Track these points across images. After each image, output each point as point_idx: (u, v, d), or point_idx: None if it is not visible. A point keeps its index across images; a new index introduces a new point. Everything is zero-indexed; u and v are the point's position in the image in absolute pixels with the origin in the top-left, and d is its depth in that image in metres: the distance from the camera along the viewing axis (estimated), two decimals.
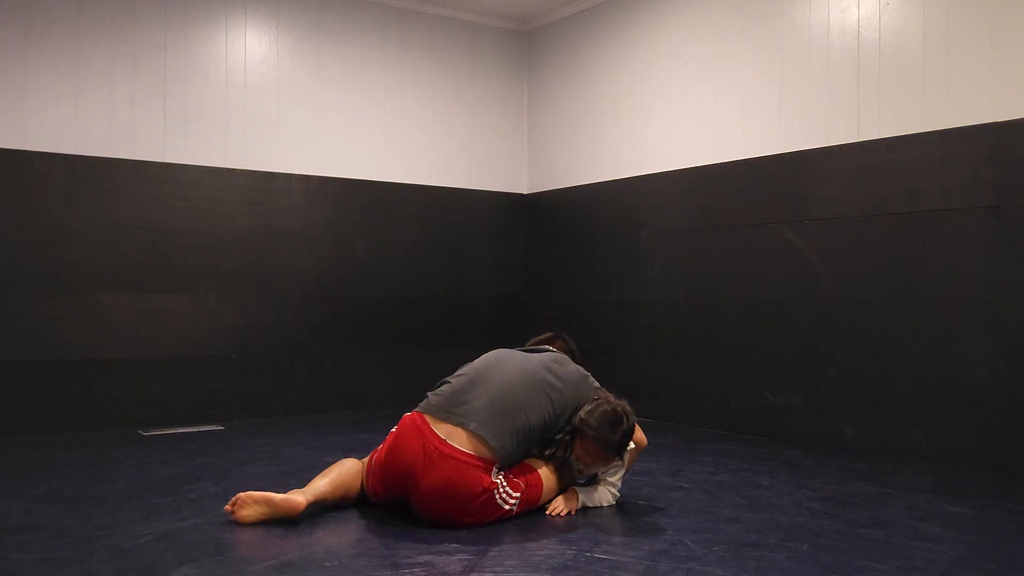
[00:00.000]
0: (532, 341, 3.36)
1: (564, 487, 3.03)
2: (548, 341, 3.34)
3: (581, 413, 2.91)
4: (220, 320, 5.11)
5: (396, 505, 2.91)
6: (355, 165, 5.63)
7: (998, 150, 3.71)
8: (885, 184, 4.11)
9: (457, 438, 2.74)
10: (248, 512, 2.73)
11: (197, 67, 5.06)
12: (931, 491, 3.32)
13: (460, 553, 2.47)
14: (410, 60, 5.86)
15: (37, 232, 4.59)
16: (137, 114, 4.88)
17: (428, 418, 2.81)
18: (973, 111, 3.80)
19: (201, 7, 5.07)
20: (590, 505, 3.02)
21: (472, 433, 2.75)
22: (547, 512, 2.93)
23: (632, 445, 3.03)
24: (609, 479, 3.08)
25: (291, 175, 5.38)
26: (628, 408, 2.94)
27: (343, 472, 2.96)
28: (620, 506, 3.06)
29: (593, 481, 3.09)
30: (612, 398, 2.98)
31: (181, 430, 4.71)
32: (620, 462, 3.05)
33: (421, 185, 5.89)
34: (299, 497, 2.75)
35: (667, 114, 5.26)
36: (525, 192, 6.39)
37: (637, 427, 3.07)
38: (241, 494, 2.76)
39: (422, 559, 2.41)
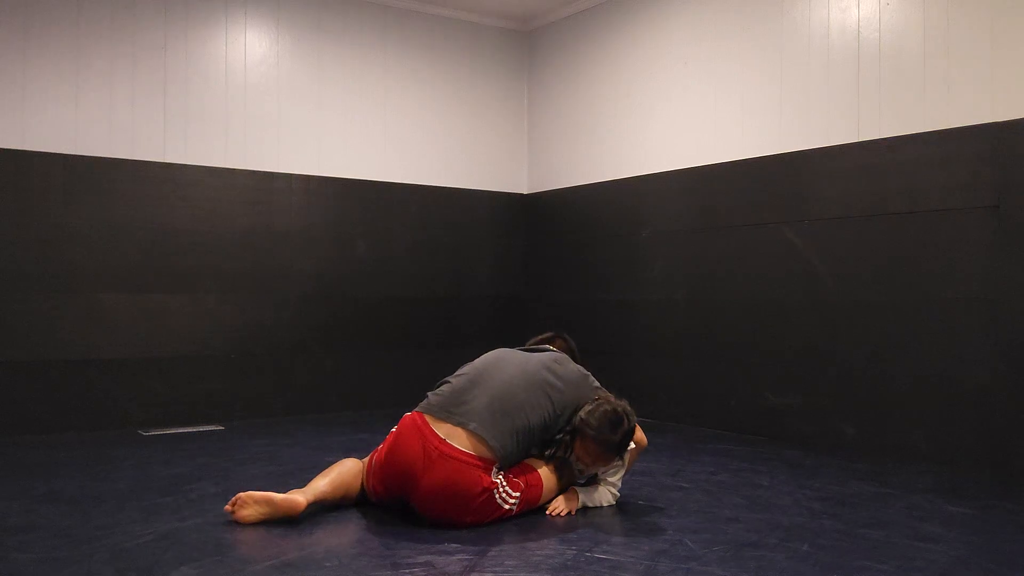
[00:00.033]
0: (532, 341, 3.37)
1: (564, 487, 3.03)
2: (548, 341, 3.34)
3: (582, 413, 2.91)
4: (220, 320, 5.11)
5: (396, 505, 2.91)
6: (355, 165, 5.63)
7: (998, 150, 3.71)
8: (885, 184, 4.11)
9: (457, 438, 2.74)
10: (248, 512, 2.73)
11: (197, 67, 5.06)
12: (931, 491, 3.32)
13: (460, 553, 2.47)
14: (410, 60, 5.86)
15: (37, 232, 4.59)
16: (137, 114, 4.88)
17: (428, 418, 2.81)
18: (973, 111, 3.80)
19: (201, 7, 5.07)
20: (590, 505, 3.02)
21: (472, 433, 2.75)
22: (547, 512, 2.93)
23: (632, 445, 3.03)
24: (609, 479, 3.08)
25: (291, 175, 5.38)
26: (629, 408, 2.94)
27: (343, 472, 2.96)
28: (620, 506, 3.06)
29: (593, 481, 3.09)
30: (613, 398, 2.98)
31: (181, 430, 4.71)
32: (620, 462, 3.05)
33: (421, 185, 5.89)
34: (299, 497, 2.75)
35: (667, 114, 5.26)
36: (525, 192, 6.39)
37: (637, 427, 3.07)
38: (241, 494, 2.76)
39: (422, 559, 2.41)
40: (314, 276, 5.45)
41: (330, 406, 5.46)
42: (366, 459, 3.03)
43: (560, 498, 2.99)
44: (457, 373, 3.00)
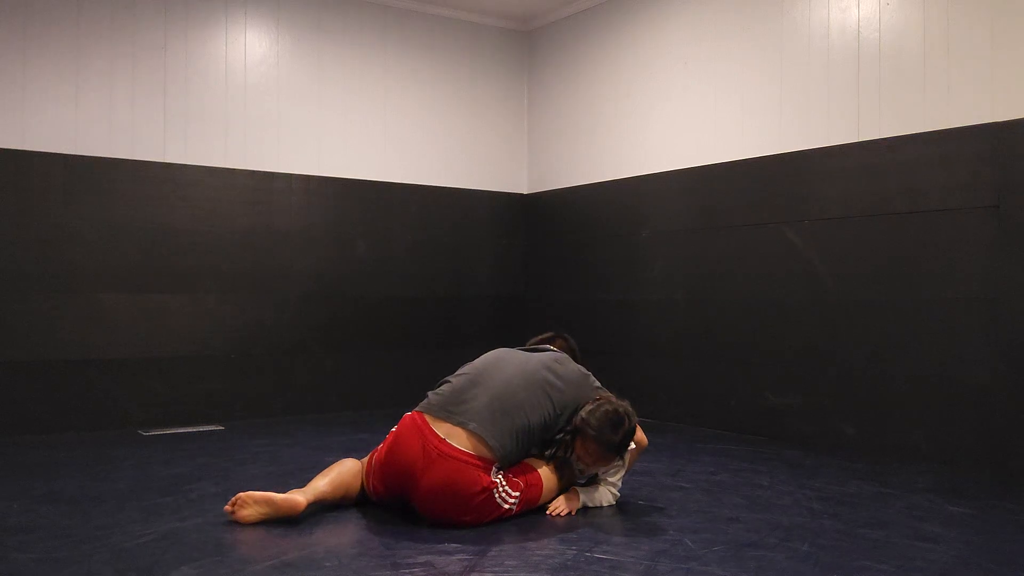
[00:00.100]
0: (533, 340, 3.37)
1: (564, 487, 3.03)
2: (549, 340, 3.34)
3: (582, 413, 2.91)
4: (220, 320, 5.11)
5: (396, 504, 2.91)
6: (355, 165, 5.63)
7: (998, 150, 3.71)
8: (885, 184, 4.11)
9: (456, 437, 2.74)
10: (248, 512, 2.73)
11: (197, 67, 5.07)
12: (931, 491, 3.32)
13: (460, 553, 2.47)
14: (410, 60, 5.86)
15: (37, 232, 4.59)
16: (137, 114, 4.88)
17: (428, 417, 2.81)
18: (973, 111, 3.80)
19: (201, 7, 5.07)
20: (591, 505, 3.02)
21: (472, 433, 2.75)
22: (548, 512, 2.93)
23: (633, 445, 3.03)
24: (609, 479, 3.07)
25: (291, 175, 5.38)
26: (630, 409, 2.94)
27: (343, 472, 2.96)
28: (620, 506, 3.06)
29: (593, 481, 3.09)
30: (614, 398, 2.98)
31: (181, 430, 4.71)
32: (620, 462, 3.05)
33: (421, 185, 5.89)
34: (299, 497, 2.75)
35: (667, 114, 5.26)
36: (525, 192, 6.39)
37: (638, 427, 3.07)
38: (241, 494, 2.76)
39: (422, 559, 2.41)
40: (314, 276, 5.45)
41: (330, 406, 5.46)
42: (365, 459, 3.03)
43: (560, 498, 2.99)
44: (457, 373, 3.00)
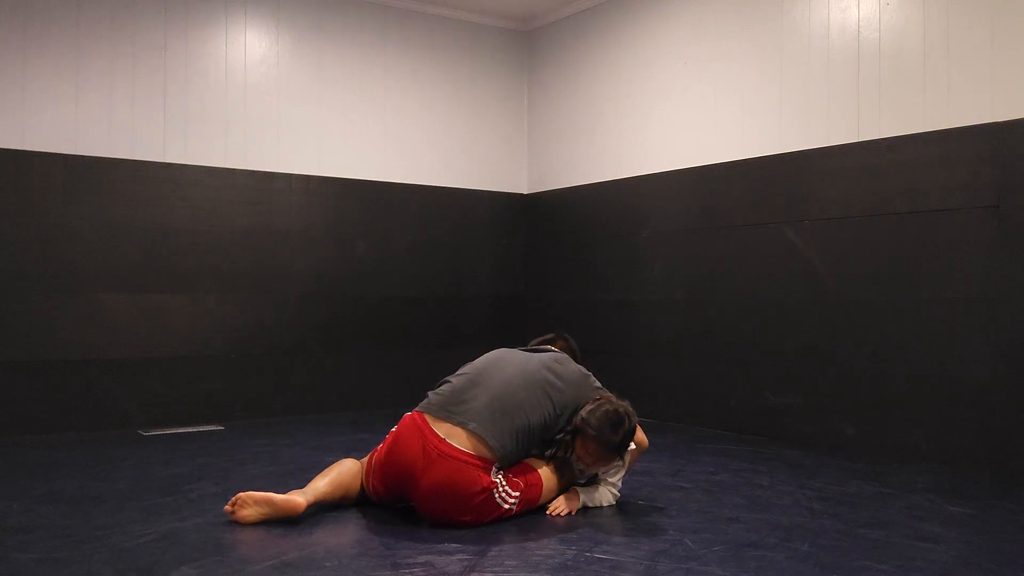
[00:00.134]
0: (534, 341, 3.37)
1: (564, 487, 3.03)
2: (550, 341, 3.34)
3: (583, 413, 2.91)
4: (220, 320, 5.11)
5: (396, 504, 2.91)
6: (355, 165, 5.63)
7: (998, 150, 3.71)
8: (885, 184, 4.11)
9: (456, 437, 2.74)
10: (248, 512, 2.73)
11: (197, 67, 5.07)
12: (931, 491, 3.32)
13: (460, 553, 2.47)
14: (410, 60, 5.86)
15: (37, 232, 4.59)
16: (137, 114, 4.88)
17: (428, 417, 2.81)
18: (973, 111, 3.80)
19: (201, 7, 5.07)
20: (591, 505, 3.02)
21: (471, 432, 2.75)
22: (548, 512, 2.93)
23: (633, 446, 3.03)
24: (609, 479, 3.07)
25: (291, 175, 5.38)
26: (630, 409, 2.94)
27: (343, 472, 2.96)
28: (620, 506, 3.07)
29: (593, 481, 3.09)
30: (614, 398, 2.98)
31: (181, 430, 4.71)
32: (620, 463, 3.05)
33: (421, 185, 5.89)
34: (299, 498, 2.75)
35: (667, 114, 5.26)
36: (525, 192, 6.39)
37: (638, 428, 3.07)
38: (241, 494, 2.76)
39: (422, 559, 2.41)
40: (314, 276, 5.45)
41: (330, 406, 5.46)
42: (365, 459, 3.03)
43: (560, 498, 2.99)
44: (458, 373, 3.01)
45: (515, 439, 2.82)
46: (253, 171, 5.24)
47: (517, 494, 2.82)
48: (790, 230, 4.53)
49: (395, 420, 2.98)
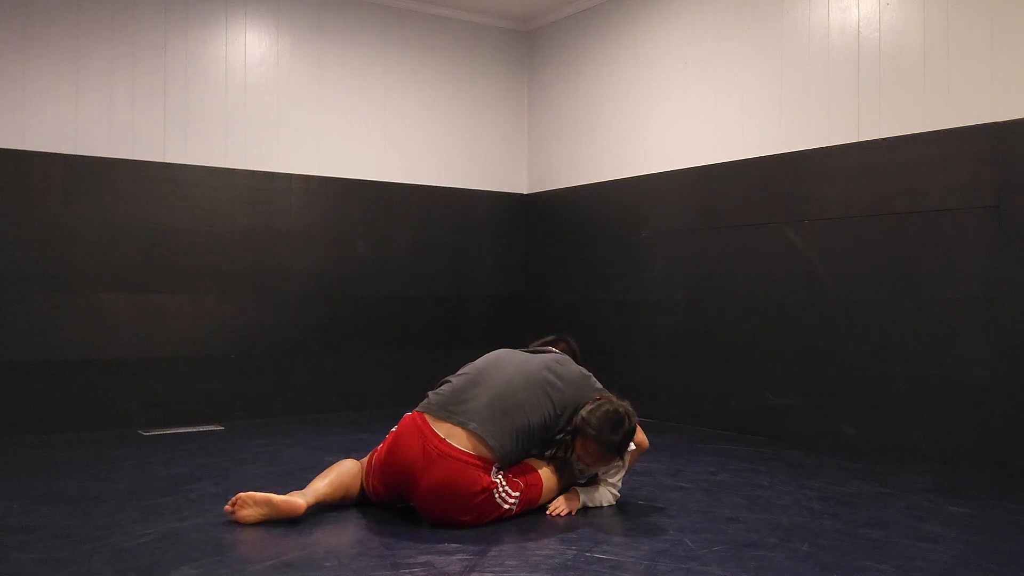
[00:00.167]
0: (535, 343, 3.36)
1: (564, 487, 3.03)
2: (551, 343, 3.33)
3: (583, 412, 2.90)
4: (220, 320, 5.11)
5: (396, 504, 2.91)
6: (355, 165, 5.63)
7: (998, 150, 3.71)
8: (885, 184, 4.11)
9: (456, 437, 2.74)
10: (248, 512, 2.73)
11: (197, 67, 5.07)
12: (931, 491, 3.32)
13: (460, 553, 2.47)
14: (410, 60, 5.86)
15: (37, 232, 4.59)
16: (137, 114, 4.88)
17: (428, 417, 2.81)
18: (973, 111, 3.80)
19: (201, 7, 5.07)
20: (591, 505, 3.02)
21: (471, 433, 2.75)
22: (547, 512, 2.93)
23: (633, 446, 3.03)
24: (609, 480, 3.07)
25: (291, 175, 5.38)
26: (630, 409, 2.94)
27: (342, 473, 2.96)
28: (620, 506, 3.06)
29: (593, 481, 3.09)
30: (614, 398, 2.98)
31: (181, 430, 4.71)
32: (620, 463, 3.05)
33: (421, 185, 5.89)
34: (299, 500, 2.75)
35: (667, 114, 5.26)
36: (525, 192, 6.39)
37: (639, 428, 3.07)
38: (241, 494, 2.76)
39: (422, 559, 2.41)
40: (314, 276, 5.45)
41: (330, 406, 5.46)
42: (365, 459, 3.03)
43: (560, 498, 2.99)
44: (458, 373, 3.01)
45: (515, 439, 2.82)
46: (253, 171, 5.24)
47: (517, 494, 2.82)
48: (790, 230, 4.53)
49: (395, 420, 2.98)
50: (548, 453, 3.00)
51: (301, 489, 2.86)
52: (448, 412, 2.81)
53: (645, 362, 5.34)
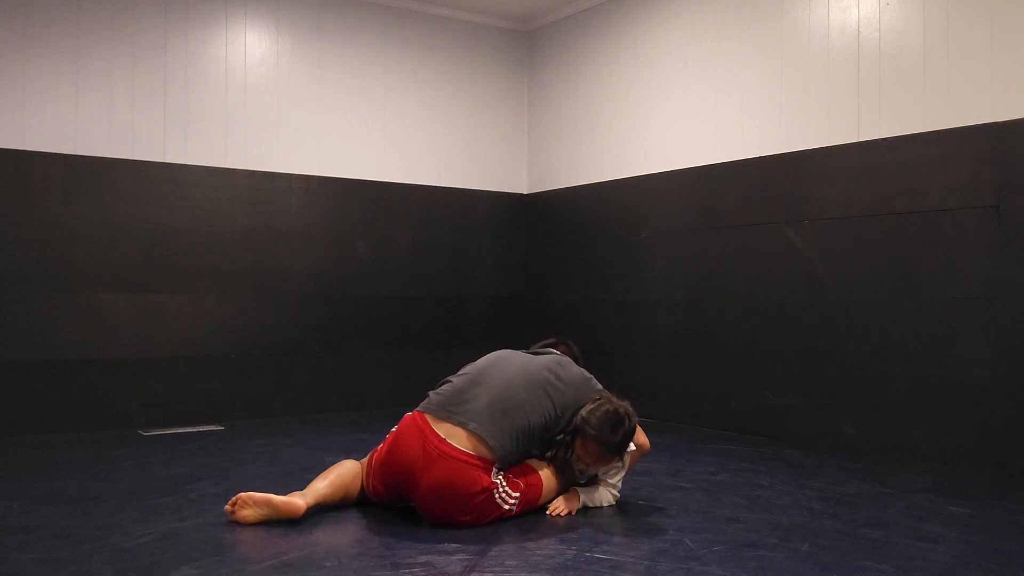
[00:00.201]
0: (536, 346, 3.35)
1: (564, 488, 3.03)
2: (552, 346, 3.33)
3: (582, 412, 2.90)
4: (220, 320, 5.11)
5: (397, 504, 2.91)
6: (355, 165, 5.63)
7: (998, 150, 3.71)
8: (885, 184, 4.11)
9: (457, 437, 2.74)
10: (248, 513, 2.73)
11: (197, 67, 5.07)
12: (931, 491, 3.32)
13: (460, 553, 2.47)
14: (410, 60, 5.86)
15: (37, 232, 4.59)
16: (137, 114, 4.88)
17: (429, 417, 2.81)
18: (973, 111, 3.80)
19: (201, 7, 5.07)
20: (591, 505, 3.02)
21: (472, 433, 2.75)
22: (547, 512, 2.93)
23: (633, 447, 3.03)
24: (609, 480, 3.07)
25: (291, 175, 5.38)
26: (630, 409, 2.94)
27: (342, 474, 2.96)
28: (620, 506, 3.06)
29: (593, 482, 3.09)
30: (615, 399, 2.97)
31: (181, 430, 4.71)
32: (620, 463, 3.05)
33: (421, 185, 5.89)
34: (299, 501, 2.75)
35: (667, 114, 5.26)
36: (525, 192, 6.39)
37: (640, 431, 3.07)
38: (241, 494, 2.76)
39: (422, 559, 2.41)
40: (314, 276, 5.45)
41: (330, 406, 5.46)
42: (365, 459, 3.03)
43: (560, 498, 2.98)
44: (459, 373, 3.01)
45: (515, 439, 2.82)
46: (253, 171, 5.24)
47: (517, 495, 2.82)
48: (790, 230, 4.53)
49: (395, 420, 2.98)
50: (549, 454, 3.00)
51: (301, 489, 2.87)
52: (449, 412, 2.81)
53: (645, 362, 5.34)
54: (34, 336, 4.57)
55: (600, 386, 3.08)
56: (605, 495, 3.06)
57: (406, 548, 2.52)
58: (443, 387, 2.95)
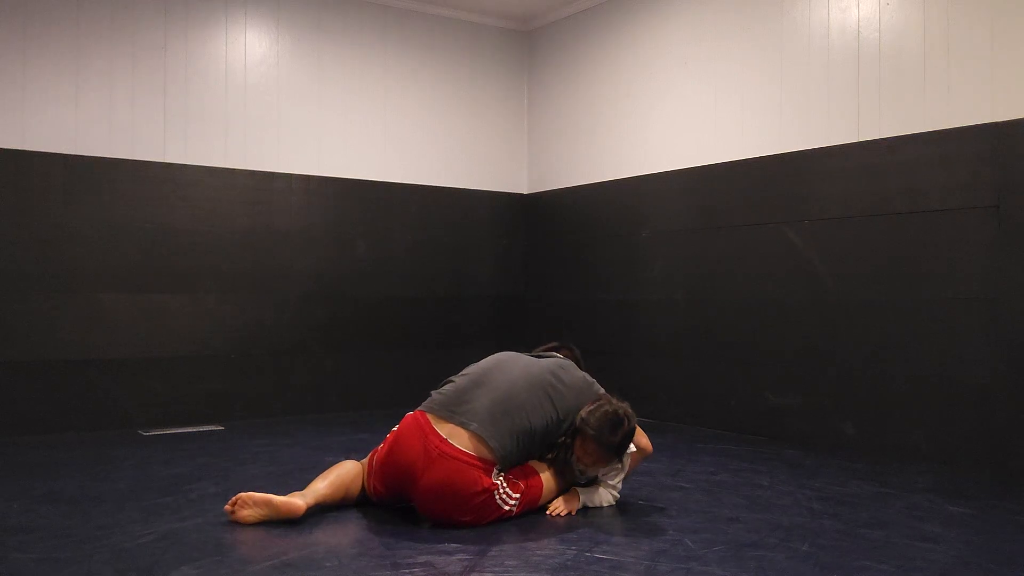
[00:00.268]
0: (538, 349, 3.35)
1: (564, 489, 3.03)
2: (554, 349, 3.32)
3: (582, 413, 2.90)
4: (220, 320, 5.11)
5: (397, 504, 2.91)
6: (355, 165, 5.63)
7: (998, 150, 3.71)
8: (885, 184, 4.11)
9: (458, 438, 2.74)
10: (248, 513, 2.73)
11: (197, 67, 5.06)
12: (931, 491, 3.32)
13: (460, 553, 2.47)
14: (410, 60, 5.86)
15: (37, 232, 4.59)
16: (137, 114, 4.88)
17: (431, 417, 2.81)
18: (973, 111, 3.80)
19: (201, 7, 5.07)
20: (590, 505, 3.02)
21: (473, 433, 2.75)
22: (547, 512, 2.93)
23: (634, 448, 3.03)
24: (609, 482, 3.07)
25: (291, 175, 5.38)
26: (630, 411, 2.94)
27: (342, 474, 2.96)
28: (620, 506, 3.06)
29: (594, 482, 3.09)
30: (614, 400, 2.97)
31: (181, 430, 4.71)
32: (620, 465, 3.05)
33: (421, 185, 5.89)
34: (299, 501, 2.75)
35: (667, 114, 5.26)
36: (525, 192, 6.39)
37: (644, 435, 3.08)
38: (241, 494, 2.76)
39: (422, 559, 2.41)
40: (314, 276, 5.45)
41: (330, 406, 5.46)
42: (365, 459, 3.03)
43: (560, 498, 2.98)
44: (461, 373, 3.01)
45: (515, 440, 2.81)
46: (253, 171, 5.24)
47: (518, 495, 2.82)
48: (790, 230, 4.53)
49: (395, 420, 2.98)
50: (549, 455, 3.00)
51: (301, 489, 2.87)
52: (451, 412, 2.81)
53: (645, 362, 5.34)
54: (34, 336, 4.57)
55: (602, 390, 3.08)
56: (605, 495, 3.06)
57: (406, 548, 2.52)
58: (445, 387, 2.95)
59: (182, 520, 2.80)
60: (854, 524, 2.83)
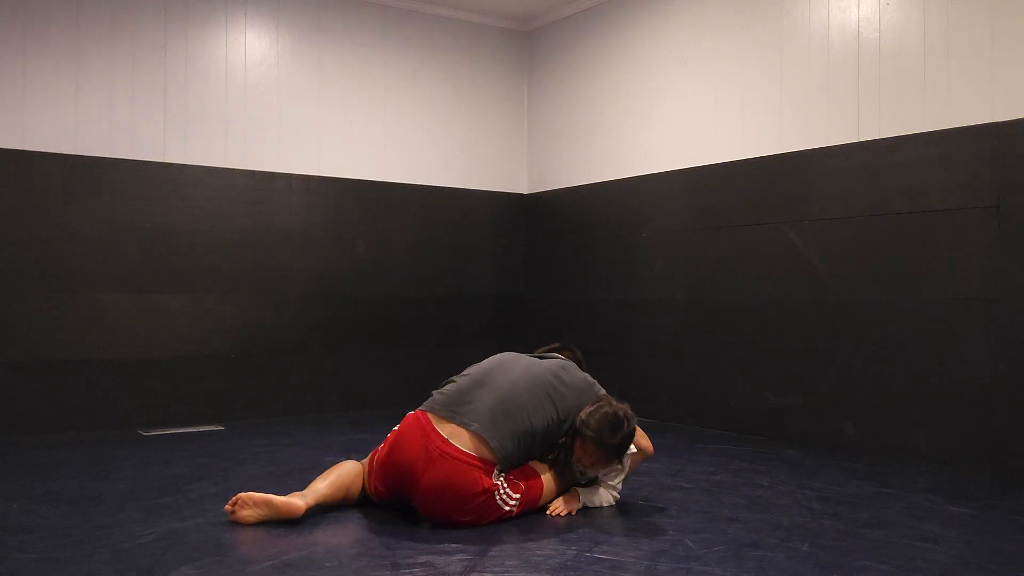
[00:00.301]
0: (540, 350, 3.35)
1: (565, 489, 3.03)
2: (556, 351, 3.33)
3: (582, 414, 2.90)
4: (220, 320, 5.11)
5: (398, 504, 2.91)
6: (355, 165, 5.63)
7: (998, 150, 3.71)
8: (885, 184, 4.11)
9: (459, 438, 2.74)
10: (248, 513, 2.73)
11: (197, 67, 5.06)
12: (931, 491, 3.32)
13: (460, 553, 2.47)
14: (410, 60, 5.86)
15: (37, 232, 4.59)
16: (137, 114, 4.88)
17: (432, 416, 2.81)
18: (973, 111, 3.80)
19: (201, 7, 5.07)
20: (591, 506, 3.02)
21: (474, 434, 2.75)
22: (547, 512, 2.93)
23: (634, 450, 3.03)
24: (610, 482, 3.07)
25: (291, 175, 5.38)
26: (630, 412, 2.93)
27: (343, 474, 2.96)
28: (620, 506, 3.06)
29: (594, 483, 3.09)
30: (614, 401, 2.97)
31: (181, 430, 4.71)
32: (620, 466, 3.05)
33: (421, 185, 5.89)
34: (299, 501, 2.75)
35: (667, 114, 5.26)
36: (525, 192, 6.39)
37: (643, 435, 3.07)
38: (241, 494, 2.76)
39: (422, 559, 2.41)
40: (314, 276, 5.45)
41: (330, 406, 5.46)
42: (366, 460, 3.03)
43: (560, 498, 2.98)
44: (463, 373, 3.01)
45: (516, 441, 2.81)
46: (253, 171, 5.24)
47: (518, 496, 2.82)
48: (790, 230, 4.53)
49: (395, 420, 2.98)
50: (550, 456, 3.00)
51: (301, 489, 2.87)
52: (452, 412, 2.81)
53: (645, 362, 5.34)
54: (34, 336, 4.57)
55: (603, 391, 3.07)
56: (605, 496, 3.06)
57: (406, 548, 2.52)
58: (447, 387, 2.95)
59: (182, 520, 2.80)
60: (854, 524, 2.83)
